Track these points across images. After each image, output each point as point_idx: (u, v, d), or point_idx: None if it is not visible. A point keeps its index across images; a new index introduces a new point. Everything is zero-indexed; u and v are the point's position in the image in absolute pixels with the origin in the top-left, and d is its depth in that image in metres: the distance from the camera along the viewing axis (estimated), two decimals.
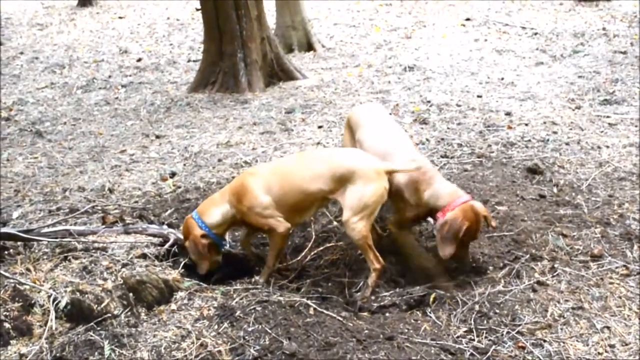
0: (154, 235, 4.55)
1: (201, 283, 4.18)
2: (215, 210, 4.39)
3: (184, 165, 6.76)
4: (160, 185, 6.21)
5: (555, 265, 4.35)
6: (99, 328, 3.66)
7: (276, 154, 6.87)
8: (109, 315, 3.72)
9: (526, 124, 7.18)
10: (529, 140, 6.69)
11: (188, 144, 7.38)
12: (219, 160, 6.79)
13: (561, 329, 3.77)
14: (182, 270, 4.32)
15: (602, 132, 6.90)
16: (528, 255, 4.45)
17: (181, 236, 4.54)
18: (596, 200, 5.30)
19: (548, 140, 6.65)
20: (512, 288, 4.11)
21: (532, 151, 6.39)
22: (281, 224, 4.31)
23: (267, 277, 4.35)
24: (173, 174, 6.50)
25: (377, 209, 4.27)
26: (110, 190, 6.02)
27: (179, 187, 6.12)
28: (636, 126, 7.02)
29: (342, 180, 4.21)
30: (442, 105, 8.03)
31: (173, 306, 3.91)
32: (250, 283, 4.24)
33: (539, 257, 4.45)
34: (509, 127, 7.10)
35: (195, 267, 4.37)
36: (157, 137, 7.75)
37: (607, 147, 6.44)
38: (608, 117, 7.37)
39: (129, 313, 3.78)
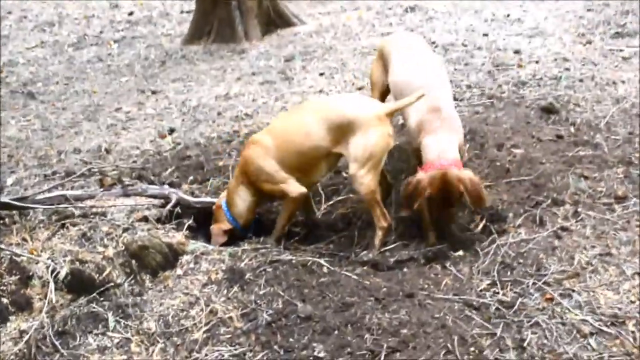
0: (155, 197, 4.34)
1: (207, 245, 3.98)
2: (237, 199, 4.25)
3: (183, 120, 6.50)
4: (158, 143, 5.96)
5: (579, 210, 4.12)
6: (101, 298, 3.48)
7: (277, 104, 6.59)
8: (112, 284, 3.54)
9: (536, 62, 6.86)
10: (541, 79, 6.38)
11: (185, 99, 7.09)
12: (219, 113, 6.52)
13: (589, 277, 3.56)
14: (187, 232, 4.12)
15: (616, 66, 6.59)
16: (549, 200, 4.22)
17: (183, 196, 4.33)
18: (616, 138, 5.04)
19: (561, 77, 6.34)
20: (535, 236, 3.89)
21: (545, 89, 6.10)
22: (294, 188, 4.09)
23: (278, 239, 4.15)
24: (172, 131, 6.24)
25: (384, 157, 4.03)
26: (107, 151, 5.77)
27: (179, 144, 5.87)
28: None
29: (341, 132, 3.96)
30: (448, 45, 7.68)
31: (179, 271, 3.71)
32: (259, 243, 4.03)
33: (560, 202, 4.22)
34: (519, 66, 6.79)
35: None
36: (153, 92, 7.46)
37: (623, 82, 6.13)
38: (621, 50, 7.03)
39: (133, 281, 3.59)
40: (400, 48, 4.52)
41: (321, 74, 7.34)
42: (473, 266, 3.72)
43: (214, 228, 4.25)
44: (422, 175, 3.80)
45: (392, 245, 4.02)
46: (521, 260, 3.70)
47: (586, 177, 4.50)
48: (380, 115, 3.96)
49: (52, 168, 5.38)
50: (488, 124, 5.41)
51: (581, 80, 6.24)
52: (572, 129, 5.23)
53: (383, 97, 4.66)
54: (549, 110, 5.54)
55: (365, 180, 3.92)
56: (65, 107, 7.34)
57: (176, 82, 7.70)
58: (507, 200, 4.27)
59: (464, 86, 6.42)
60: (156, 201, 4.31)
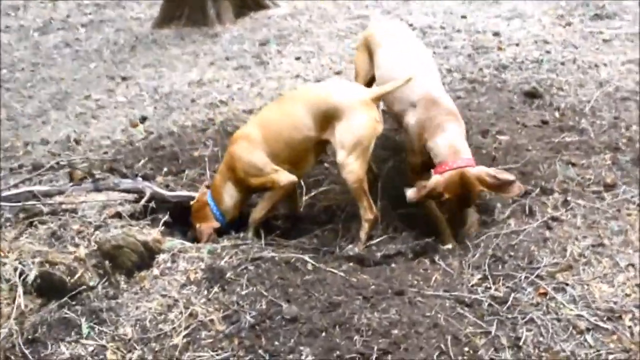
0: (128, 191, 4.13)
1: (185, 242, 3.79)
2: (224, 196, 4.08)
3: (155, 108, 6.26)
4: (130, 132, 5.72)
5: (568, 198, 4.01)
6: (74, 303, 3.27)
7: (253, 90, 6.39)
8: (84, 287, 3.33)
9: (517, 44, 6.74)
10: (522, 62, 6.27)
11: (157, 85, 6.84)
12: (192, 100, 6.29)
13: (583, 269, 3.46)
14: (163, 228, 3.92)
15: (597, 49, 6.49)
16: (538, 189, 4.10)
17: (158, 189, 4.12)
18: (602, 123, 4.94)
19: (542, 60, 6.23)
20: (525, 227, 3.77)
21: (527, 73, 5.99)
22: (283, 177, 3.92)
23: (255, 230, 3.98)
24: (144, 119, 6.00)
25: (372, 144, 3.85)
26: (77, 142, 5.52)
27: (151, 133, 5.64)
28: (632, 41, 6.61)
29: (327, 119, 3.82)
30: (426, 28, 7.52)
31: (155, 271, 3.51)
32: (239, 239, 3.85)
33: (549, 190, 4.11)
34: (499, 49, 6.66)
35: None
36: (124, 79, 7.18)
37: (605, 65, 6.05)
38: (601, 32, 6.93)
39: (107, 283, 3.39)
40: (386, 39, 4.33)
41: (297, 58, 7.14)
42: (463, 260, 3.58)
43: (204, 227, 4.03)
44: (437, 179, 3.60)
45: (379, 239, 3.88)
46: (512, 253, 3.58)
47: (574, 164, 4.40)
48: (366, 100, 3.81)
49: (18, 161, 5.12)
50: (471, 109, 5.28)
51: (563, 64, 6.14)
52: (556, 114, 5.13)
53: (368, 86, 4.49)
54: (532, 95, 5.43)
55: (354, 168, 3.76)
56: (31, 95, 7.03)
57: (147, 68, 7.43)
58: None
59: (444, 70, 6.27)
60: (129, 196, 4.10)
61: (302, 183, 4.40)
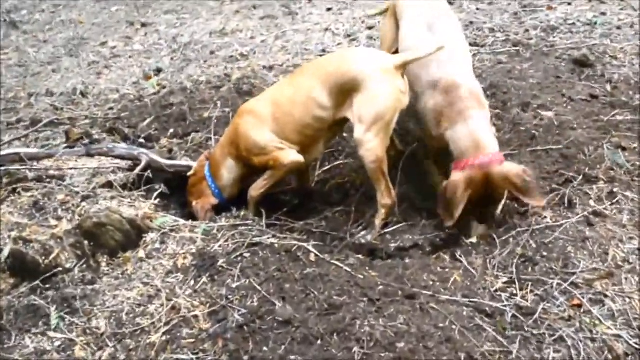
0: (123, 157, 3.75)
1: (178, 219, 3.42)
2: (223, 171, 3.69)
3: (172, 59, 5.86)
4: (142, 86, 5.34)
5: (615, 190, 3.51)
6: (47, 286, 2.94)
7: (277, 43, 5.93)
8: (60, 269, 2.99)
9: (569, 4, 6.09)
10: (573, 24, 5.65)
11: (177, 33, 6.43)
12: (212, 52, 5.87)
13: (626, 278, 2.99)
14: (157, 200, 3.56)
15: None
16: (581, 177, 3.61)
17: (155, 157, 3.75)
18: None
19: (596, 23, 5.60)
20: (562, 222, 3.30)
21: (578, 37, 5.38)
22: (287, 156, 3.51)
23: (255, 208, 3.60)
24: (159, 71, 5.62)
25: (395, 118, 3.39)
26: (83, 94, 5.16)
27: (164, 88, 5.25)
28: None
29: (345, 93, 3.39)
30: None
31: (141, 253, 3.16)
32: (239, 218, 3.46)
33: (593, 178, 3.60)
34: (549, 8, 6.03)
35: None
36: (143, 25, 6.79)
37: None
38: None
39: (85, 266, 3.04)
40: (411, 9, 3.79)
41: (328, 9, 6.63)
42: (488, 258, 3.14)
43: (201, 205, 3.67)
44: (458, 176, 3.17)
45: (394, 227, 3.44)
46: (545, 253, 3.12)
47: (624, 149, 3.87)
48: (388, 68, 3.35)
49: (18, 114, 4.79)
50: (512, 77, 4.74)
51: (619, 28, 5.50)
52: (608, 87, 4.56)
53: None
54: (582, 64, 4.85)
55: (373, 146, 3.33)
56: (47, 40, 6.70)
57: (169, 14, 7.00)
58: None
59: (486, 29, 5.70)
60: (123, 163, 3.73)
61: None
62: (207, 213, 3.60)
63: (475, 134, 3.22)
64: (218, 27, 6.43)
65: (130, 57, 5.99)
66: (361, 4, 6.63)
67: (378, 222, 3.45)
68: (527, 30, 5.59)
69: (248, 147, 3.53)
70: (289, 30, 6.22)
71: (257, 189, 3.60)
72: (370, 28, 6.07)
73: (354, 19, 6.33)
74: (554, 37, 5.42)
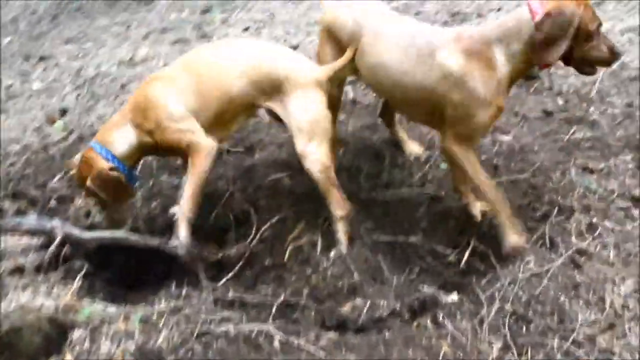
0: (33, 233, 3.16)
1: (109, 305, 2.87)
2: (118, 135, 3.24)
3: (77, 97, 5.25)
4: (45, 132, 4.73)
5: (594, 221, 3.22)
6: None
7: None
8: None
9: (498, 9, 5.83)
10: None
11: (81, 66, 5.81)
12: (122, 86, 5.30)
13: (629, 328, 2.68)
14: (80, 281, 3.00)
15: None
16: (556, 210, 3.29)
17: (71, 229, 3.17)
18: (614, 112, 4.12)
19: None
20: (547, 266, 2.95)
21: None
22: (204, 140, 3.21)
23: (187, 228, 3.13)
24: (64, 112, 5.03)
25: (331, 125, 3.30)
26: None
27: (71, 132, 4.65)
28: (625, 4, 5.77)
29: (274, 87, 3.25)
30: None
31: (68, 357, 2.60)
32: (180, 297, 2.94)
33: (569, 210, 3.30)
34: (479, 15, 5.74)
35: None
36: (42, 58, 6.14)
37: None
38: None
39: None
40: (365, 19, 3.35)
41: (245, 29, 6.15)
42: (475, 319, 2.76)
43: (94, 179, 3.13)
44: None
45: (356, 285, 2.98)
46: (538, 307, 2.77)
47: (591, 171, 3.59)
48: (320, 80, 3.26)
49: None
50: None
51: None
52: (560, 101, 4.29)
53: (341, 88, 3.61)
54: (527, 76, 4.56)
55: (317, 156, 3.19)
56: None
57: (70, 44, 6.36)
58: None
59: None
60: (35, 240, 3.14)
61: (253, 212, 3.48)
62: (112, 183, 3.15)
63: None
64: (126, 56, 5.84)
65: (29, 97, 5.34)
66: (281, 20, 6.19)
67: (342, 236, 3.20)
68: None
69: (158, 118, 3.15)
70: None
71: (186, 200, 3.15)
72: (294, 47, 5.63)
73: (274, 37, 5.88)
74: None
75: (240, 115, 3.37)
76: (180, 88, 3.21)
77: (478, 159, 3.15)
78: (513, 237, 3.04)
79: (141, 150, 3.26)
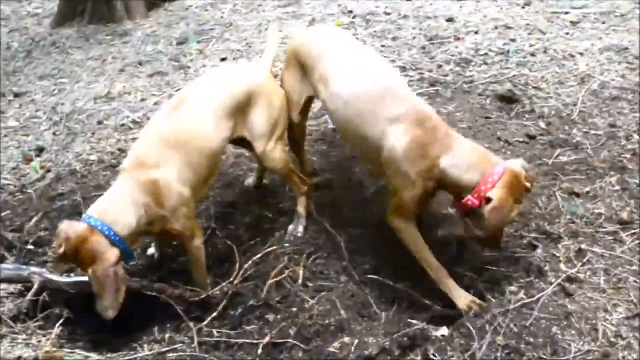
0: (10, 281, 3.06)
1: (90, 355, 2.77)
2: (126, 216, 2.86)
3: (54, 134, 5.14)
4: (22, 171, 4.62)
5: (582, 247, 3.19)
6: None
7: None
8: None
9: (476, 32, 5.84)
10: (486, 54, 5.39)
11: (57, 102, 5.70)
12: (99, 122, 5.19)
13: (624, 358, 2.63)
14: (60, 330, 2.90)
15: (567, 34, 5.66)
16: (544, 236, 3.25)
17: (49, 276, 3.07)
18: (597, 134, 4.14)
19: (509, 51, 5.37)
20: (538, 296, 2.91)
21: (495, 69, 5.11)
22: (198, 227, 3.24)
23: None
24: (41, 150, 4.91)
25: (286, 116, 3.46)
26: None
27: (49, 172, 4.55)
28: (604, 22, 5.82)
29: (243, 108, 3.27)
30: (368, 15, 6.53)
31: None
32: (164, 342, 2.85)
33: (557, 236, 3.27)
34: (457, 39, 5.76)
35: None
36: (16, 95, 6.01)
37: (581, 54, 5.23)
38: (567, 13, 6.12)
39: None
40: (329, 50, 3.36)
41: (223, 60, 6.09)
42: (467, 354, 2.70)
43: (99, 269, 2.71)
44: (499, 194, 2.78)
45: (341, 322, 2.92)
46: (530, 339, 2.72)
47: (577, 195, 3.58)
48: (270, 76, 3.44)
49: None
50: None
51: (533, 55, 5.30)
52: (542, 124, 4.30)
53: (304, 114, 3.62)
54: (508, 100, 4.57)
55: (277, 155, 3.40)
56: None
57: (45, 80, 6.24)
58: None
59: (397, 69, 5.34)
60: (12, 287, 3.04)
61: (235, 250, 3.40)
62: (116, 277, 2.74)
63: (477, 148, 2.97)
64: (103, 91, 5.74)
65: (4, 135, 5.23)
66: (258, 49, 6.15)
67: (302, 210, 3.52)
68: (440, 66, 5.28)
69: (175, 205, 2.99)
70: (182, 86, 5.63)
71: (202, 285, 3.17)
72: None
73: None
74: (470, 72, 5.13)
75: (217, 163, 3.36)
76: (169, 162, 3.00)
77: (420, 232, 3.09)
78: (461, 298, 2.96)
79: (142, 230, 2.97)
